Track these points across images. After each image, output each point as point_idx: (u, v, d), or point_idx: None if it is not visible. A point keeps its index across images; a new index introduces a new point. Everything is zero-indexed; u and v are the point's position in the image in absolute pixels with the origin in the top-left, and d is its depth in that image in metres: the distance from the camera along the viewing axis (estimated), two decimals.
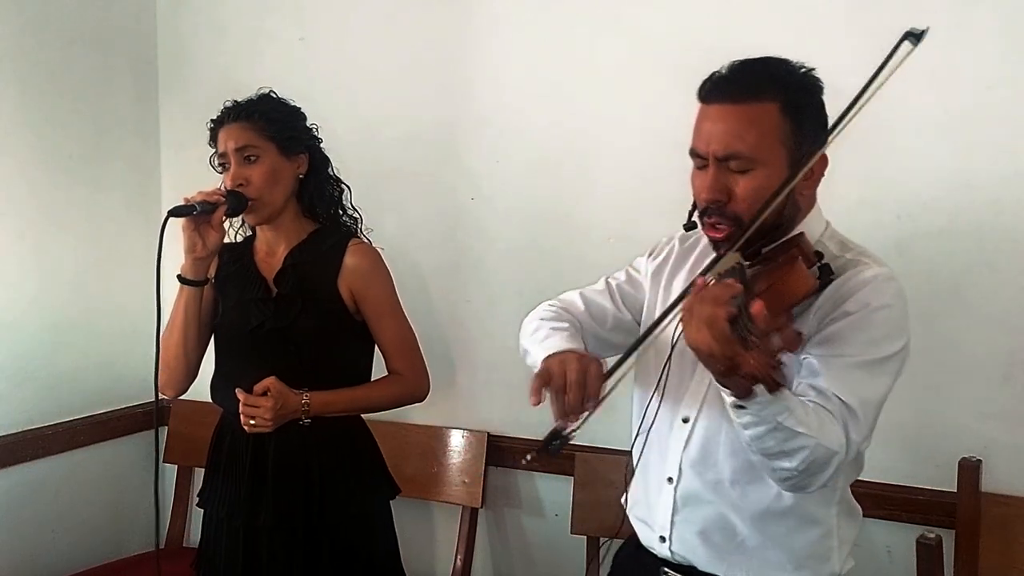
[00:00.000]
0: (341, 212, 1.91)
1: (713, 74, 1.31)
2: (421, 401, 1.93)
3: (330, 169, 1.90)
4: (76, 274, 2.55)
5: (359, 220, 1.93)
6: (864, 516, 1.96)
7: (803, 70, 1.32)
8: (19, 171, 2.39)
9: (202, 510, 1.92)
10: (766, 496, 1.33)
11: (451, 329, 2.42)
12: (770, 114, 1.26)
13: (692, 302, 1.11)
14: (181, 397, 2.59)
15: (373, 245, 1.89)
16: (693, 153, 1.32)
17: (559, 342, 1.40)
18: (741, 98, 1.27)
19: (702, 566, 1.39)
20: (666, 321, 1.27)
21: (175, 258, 1.76)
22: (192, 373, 1.87)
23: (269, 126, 1.79)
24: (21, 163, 2.39)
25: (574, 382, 1.24)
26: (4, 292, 2.36)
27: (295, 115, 1.86)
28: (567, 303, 1.56)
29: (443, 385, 2.32)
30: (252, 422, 1.72)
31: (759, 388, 1.10)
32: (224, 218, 1.74)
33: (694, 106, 1.35)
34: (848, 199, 1.96)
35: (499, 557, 2.43)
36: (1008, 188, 1.83)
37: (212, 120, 1.83)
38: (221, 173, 1.81)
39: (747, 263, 1.22)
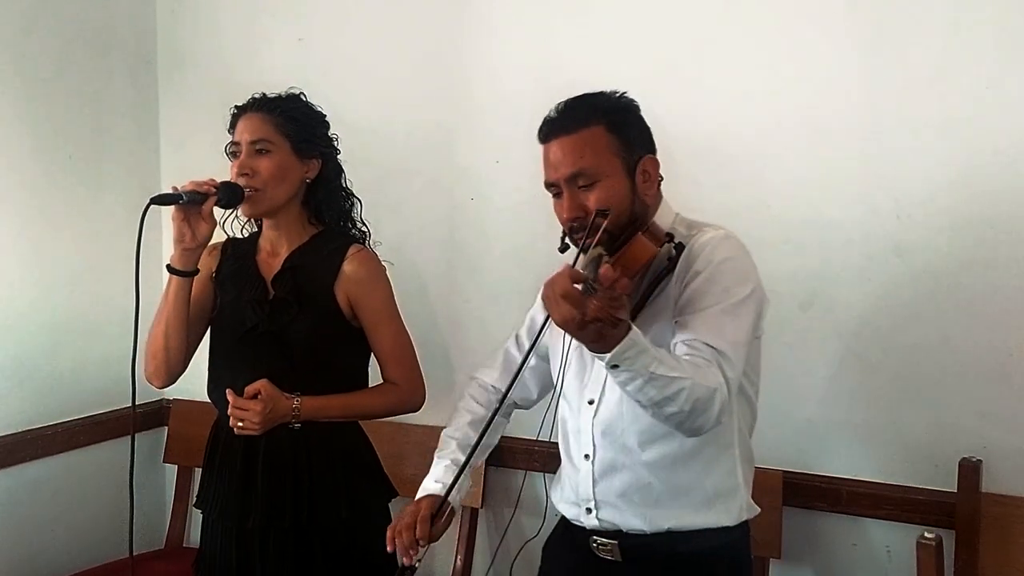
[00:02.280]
0: (350, 224, 1.90)
1: (545, 118, 1.54)
2: (415, 411, 1.91)
3: (343, 180, 1.90)
4: (75, 274, 2.55)
5: (367, 235, 1.92)
6: (864, 516, 1.99)
7: (617, 95, 1.54)
8: (18, 171, 2.39)
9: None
10: (670, 449, 1.50)
11: (450, 329, 2.42)
12: (598, 135, 1.48)
13: (547, 287, 1.23)
14: (181, 397, 2.61)
15: (376, 253, 1.88)
16: (547, 185, 1.55)
17: (428, 481, 1.65)
18: (572, 129, 1.49)
19: (628, 526, 1.55)
20: (524, 367, 1.56)
21: (171, 249, 1.77)
22: (179, 365, 1.85)
23: (288, 123, 1.78)
24: (20, 163, 2.39)
25: (404, 526, 1.52)
26: (3, 292, 2.36)
27: (317, 120, 1.86)
28: (487, 374, 1.80)
29: (443, 385, 2.31)
30: (240, 424, 1.72)
31: (627, 344, 1.24)
32: (221, 209, 1.73)
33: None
34: (847, 199, 1.97)
35: (499, 557, 2.43)
36: (1008, 188, 1.83)
37: (236, 106, 1.83)
38: (231, 161, 1.80)
39: (606, 254, 1.35)
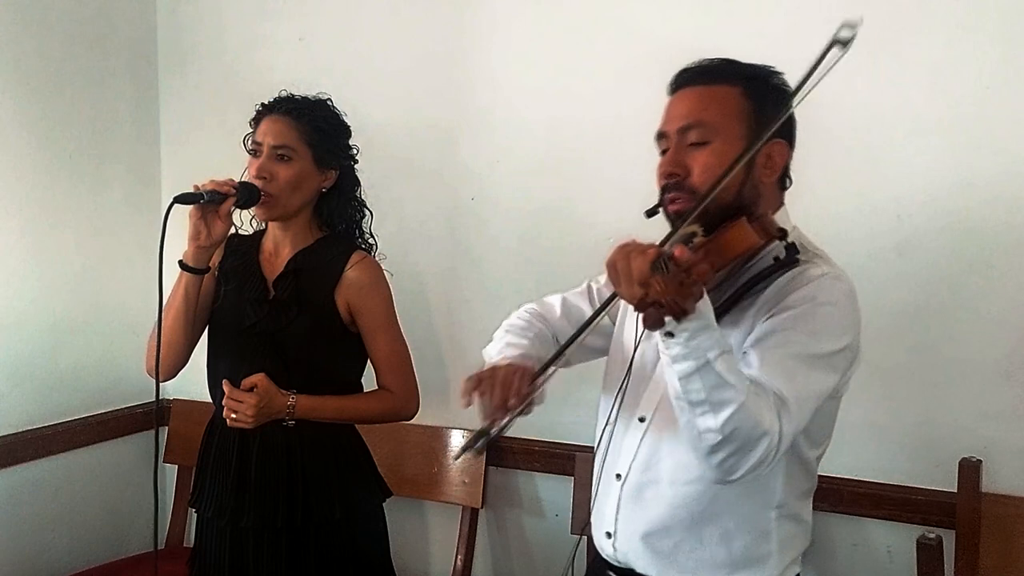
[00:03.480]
0: (358, 234, 1.91)
1: (681, 69, 1.38)
2: (408, 420, 1.91)
3: (358, 191, 1.90)
4: (76, 273, 2.55)
5: (374, 247, 1.92)
6: (864, 516, 1.99)
7: (771, 70, 1.37)
8: (19, 170, 2.39)
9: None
10: (702, 497, 1.33)
11: (450, 329, 2.42)
12: (731, 94, 1.32)
13: (614, 255, 1.12)
14: (181, 397, 2.61)
15: (379, 263, 1.88)
16: (658, 136, 1.38)
17: (497, 356, 1.44)
18: (705, 81, 1.34)
19: (640, 568, 1.41)
20: (596, 321, 1.34)
21: (178, 243, 1.74)
22: (181, 359, 1.85)
23: (313, 133, 1.79)
24: (21, 162, 2.39)
25: (499, 382, 1.29)
26: (4, 292, 2.36)
27: (341, 131, 1.86)
28: (545, 307, 1.59)
29: (442, 385, 2.32)
30: (234, 416, 1.72)
31: (695, 312, 1.10)
32: (233, 209, 1.73)
33: None
34: (848, 199, 1.96)
35: (499, 557, 2.43)
36: (1008, 188, 1.83)
37: (262, 104, 1.83)
38: (251, 157, 1.80)
39: (701, 232, 1.25)
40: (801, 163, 2.01)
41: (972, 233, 1.86)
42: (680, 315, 1.08)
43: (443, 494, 2.40)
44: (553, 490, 2.32)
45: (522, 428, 2.38)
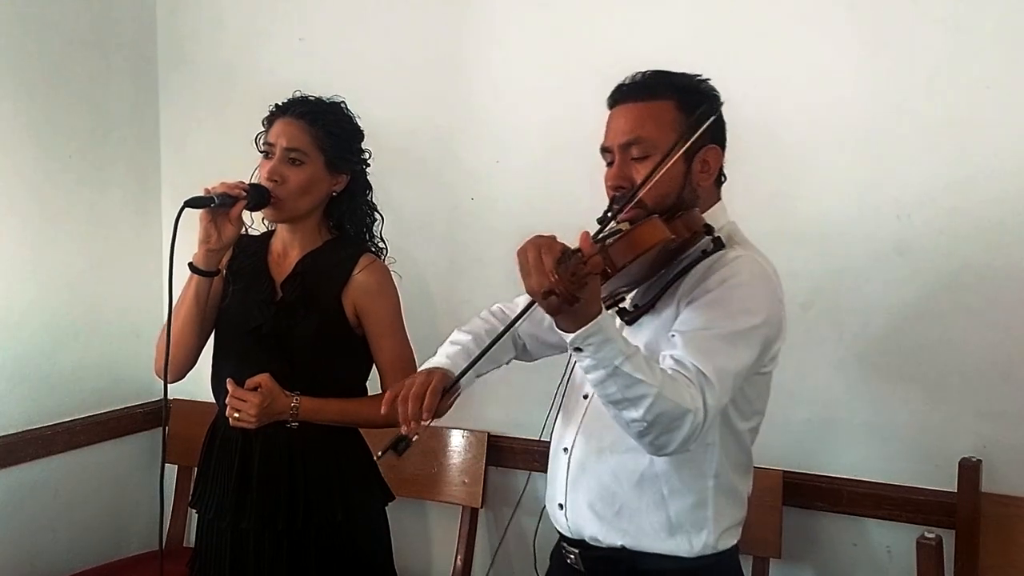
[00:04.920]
0: (368, 237, 1.90)
1: (618, 84, 1.48)
2: None
3: (369, 195, 1.90)
4: (76, 274, 2.55)
5: (383, 251, 1.92)
6: (864, 516, 1.99)
7: (699, 79, 1.47)
8: (19, 171, 2.39)
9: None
10: (641, 462, 1.43)
11: (450, 329, 2.40)
12: (666, 109, 1.42)
13: (525, 247, 1.20)
14: (181, 397, 2.61)
15: (387, 267, 1.88)
16: (603, 151, 1.50)
17: (438, 357, 1.56)
18: (640, 98, 1.44)
19: (589, 535, 1.50)
20: (511, 329, 1.41)
21: (185, 246, 1.74)
22: (189, 360, 1.85)
23: (326, 138, 1.78)
24: (21, 163, 2.39)
25: (412, 395, 1.40)
26: (4, 292, 2.36)
27: (354, 135, 1.86)
28: (511, 306, 1.70)
29: None
30: (236, 415, 1.72)
31: (593, 328, 1.20)
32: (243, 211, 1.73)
33: None
34: (848, 199, 1.97)
35: (499, 557, 2.43)
36: (1008, 188, 1.83)
37: (276, 105, 1.82)
38: (262, 158, 1.79)
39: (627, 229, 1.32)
40: (801, 164, 2.02)
41: (972, 233, 1.86)
42: (572, 302, 1.17)
43: (443, 494, 2.40)
44: None
45: (522, 428, 2.39)
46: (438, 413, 1.43)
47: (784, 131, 2.01)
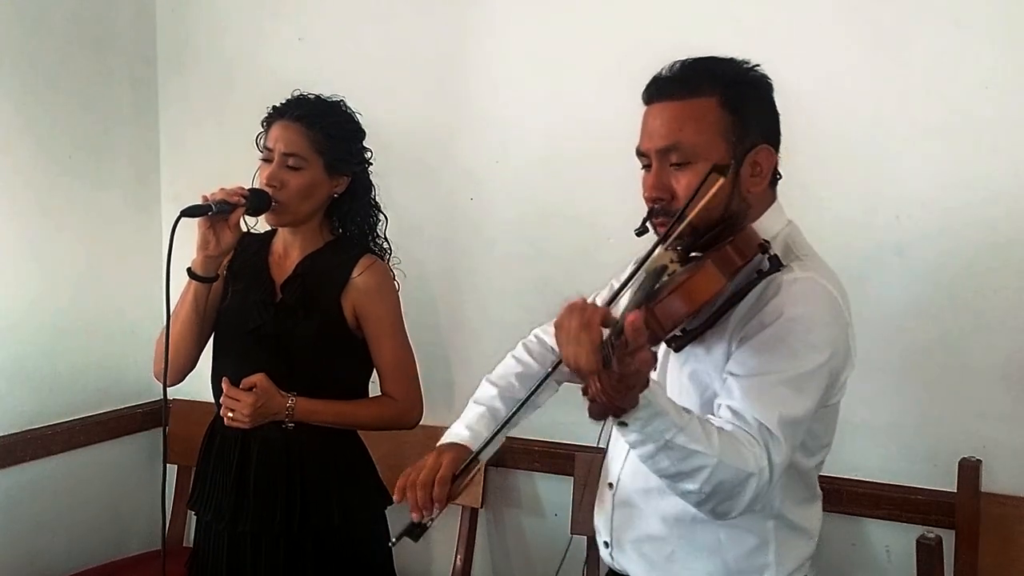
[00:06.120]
0: (371, 238, 1.89)
1: (654, 76, 1.32)
2: (410, 428, 1.89)
3: (372, 196, 1.89)
4: (76, 274, 2.55)
5: (387, 252, 1.91)
6: (864, 516, 1.99)
7: (747, 66, 1.31)
8: (19, 171, 2.39)
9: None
10: (689, 507, 1.26)
11: (450, 329, 2.42)
12: (709, 108, 1.25)
13: (563, 318, 1.07)
14: (181, 397, 2.61)
15: (389, 268, 1.87)
16: (638, 154, 1.33)
17: (458, 427, 1.45)
18: (679, 95, 1.27)
19: None
20: (529, 399, 1.31)
21: (182, 250, 1.74)
22: (190, 364, 1.85)
23: (325, 141, 1.77)
24: (21, 163, 2.39)
25: (421, 483, 1.31)
26: (4, 292, 2.36)
27: (354, 136, 1.85)
28: (549, 329, 1.48)
29: (442, 385, 2.32)
30: (231, 414, 1.72)
31: (642, 402, 1.06)
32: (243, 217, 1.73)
33: None
34: (848, 199, 1.96)
35: (499, 557, 2.43)
36: (1007, 188, 1.83)
37: (274, 107, 1.81)
38: (261, 162, 1.78)
39: (678, 263, 1.19)
40: (801, 164, 2.01)
41: (972, 233, 1.86)
42: (619, 414, 1.06)
43: None
44: (553, 490, 2.32)
45: (522, 428, 2.39)
46: (451, 499, 1.32)
47: (784, 131, 2.00)
